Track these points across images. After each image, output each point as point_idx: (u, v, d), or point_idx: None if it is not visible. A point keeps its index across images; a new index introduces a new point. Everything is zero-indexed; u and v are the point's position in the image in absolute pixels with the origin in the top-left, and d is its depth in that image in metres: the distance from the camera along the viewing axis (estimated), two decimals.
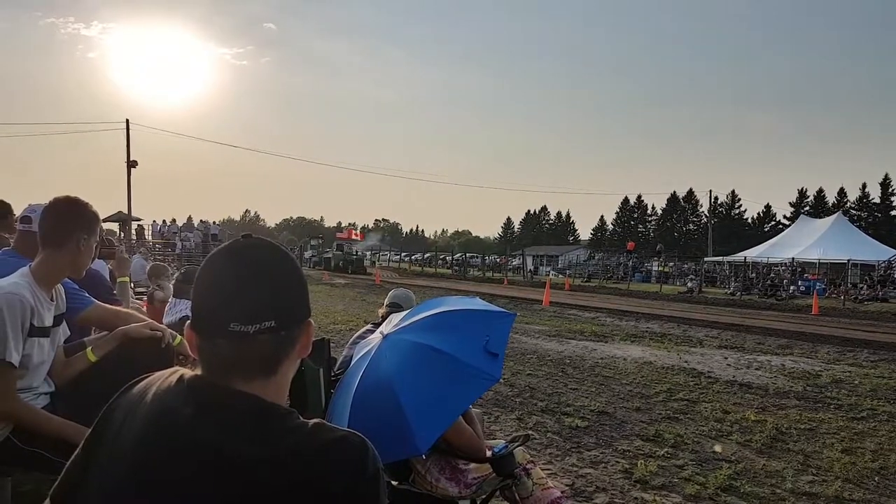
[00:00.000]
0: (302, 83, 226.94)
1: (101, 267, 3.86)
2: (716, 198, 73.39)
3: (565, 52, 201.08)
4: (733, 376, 7.95)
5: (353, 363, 2.69)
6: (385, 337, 2.60)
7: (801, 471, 4.41)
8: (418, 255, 68.19)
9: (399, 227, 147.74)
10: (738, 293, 29.36)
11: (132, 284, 5.58)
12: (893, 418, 6.00)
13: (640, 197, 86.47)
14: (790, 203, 73.17)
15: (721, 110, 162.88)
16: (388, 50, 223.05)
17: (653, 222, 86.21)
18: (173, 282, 5.11)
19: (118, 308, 2.92)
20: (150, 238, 34.44)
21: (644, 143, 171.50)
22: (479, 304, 2.90)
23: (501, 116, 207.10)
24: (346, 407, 2.39)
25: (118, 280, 4.16)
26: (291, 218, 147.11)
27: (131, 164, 33.39)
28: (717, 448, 4.79)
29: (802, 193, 73.03)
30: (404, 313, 2.82)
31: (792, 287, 29.47)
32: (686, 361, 8.98)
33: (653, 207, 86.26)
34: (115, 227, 32.56)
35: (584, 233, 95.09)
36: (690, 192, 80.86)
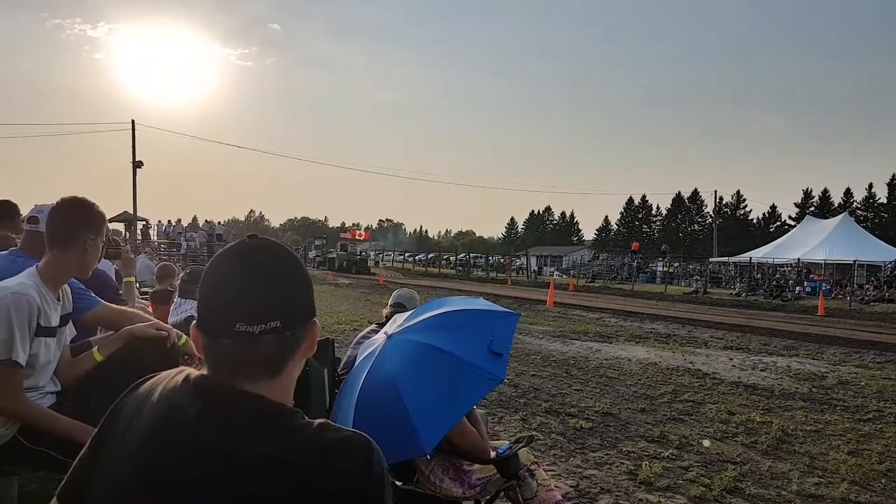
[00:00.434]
0: (306, 84, 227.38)
1: (108, 267, 3.88)
2: (721, 198, 72.81)
3: (568, 51, 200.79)
4: (739, 377, 7.92)
5: (357, 363, 2.70)
6: (389, 337, 2.60)
7: (807, 473, 4.39)
8: (422, 256, 68.24)
9: (403, 228, 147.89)
10: (744, 294, 29.24)
11: (138, 284, 5.59)
12: None
13: (644, 197, 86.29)
14: (795, 203, 72.92)
15: (726, 111, 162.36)
16: (392, 51, 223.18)
17: (658, 222, 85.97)
18: (178, 282, 5.11)
19: (124, 308, 2.93)
20: (155, 238, 34.58)
21: (649, 143, 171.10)
22: (483, 304, 2.91)
23: (505, 116, 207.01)
24: (350, 407, 2.39)
25: (124, 280, 4.17)
26: (296, 218, 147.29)
27: (137, 165, 33.55)
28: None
29: (808, 194, 72.75)
30: (408, 313, 2.83)
31: (798, 288, 29.34)
32: (691, 362, 8.95)
33: (657, 208, 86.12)
34: (120, 227, 32.68)
35: (589, 233, 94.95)
36: (695, 193, 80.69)
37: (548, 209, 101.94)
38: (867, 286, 29.15)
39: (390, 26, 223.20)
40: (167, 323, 3.55)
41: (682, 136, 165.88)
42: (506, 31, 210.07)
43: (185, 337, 2.60)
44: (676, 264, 42.80)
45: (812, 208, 67.26)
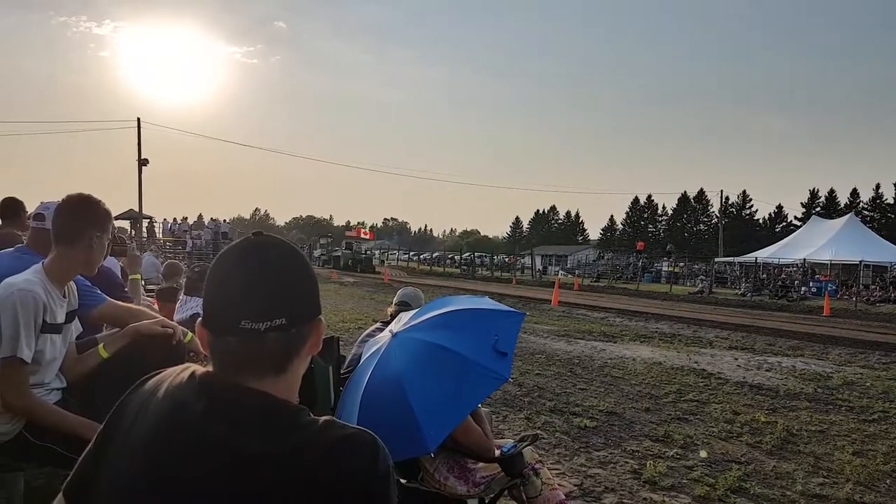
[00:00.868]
0: (311, 82, 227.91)
1: (113, 264, 3.88)
2: (727, 198, 72.87)
3: (570, 51, 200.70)
4: (743, 377, 7.90)
5: (362, 361, 2.70)
6: (394, 335, 2.60)
7: (812, 473, 4.38)
8: (427, 255, 68.22)
9: (408, 227, 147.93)
10: (749, 294, 29.16)
11: (143, 282, 5.60)
12: None
13: (650, 197, 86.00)
14: (801, 203, 72.51)
15: (726, 111, 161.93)
16: (396, 50, 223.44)
17: (663, 222, 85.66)
18: (184, 279, 5.13)
19: (130, 305, 2.94)
20: (160, 236, 34.69)
21: (654, 143, 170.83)
22: (488, 303, 2.90)
23: (510, 116, 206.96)
24: (355, 405, 2.39)
25: (130, 277, 4.18)
26: (301, 216, 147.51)
27: (142, 163, 33.62)
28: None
29: (814, 194, 72.36)
30: (413, 312, 2.83)
31: (803, 288, 29.27)
32: (696, 362, 8.93)
33: (663, 207, 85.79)
34: (126, 224, 32.84)
35: (594, 232, 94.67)
36: (701, 192, 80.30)
37: (553, 208, 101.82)
38: (873, 287, 29.06)
39: (394, 25, 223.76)
40: (173, 320, 3.56)
41: (689, 137, 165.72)
42: (513, 32, 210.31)
43: (190, 334, 2.61)
44: (682, 264, 42.66)
45: (818, 208, 66.87)
